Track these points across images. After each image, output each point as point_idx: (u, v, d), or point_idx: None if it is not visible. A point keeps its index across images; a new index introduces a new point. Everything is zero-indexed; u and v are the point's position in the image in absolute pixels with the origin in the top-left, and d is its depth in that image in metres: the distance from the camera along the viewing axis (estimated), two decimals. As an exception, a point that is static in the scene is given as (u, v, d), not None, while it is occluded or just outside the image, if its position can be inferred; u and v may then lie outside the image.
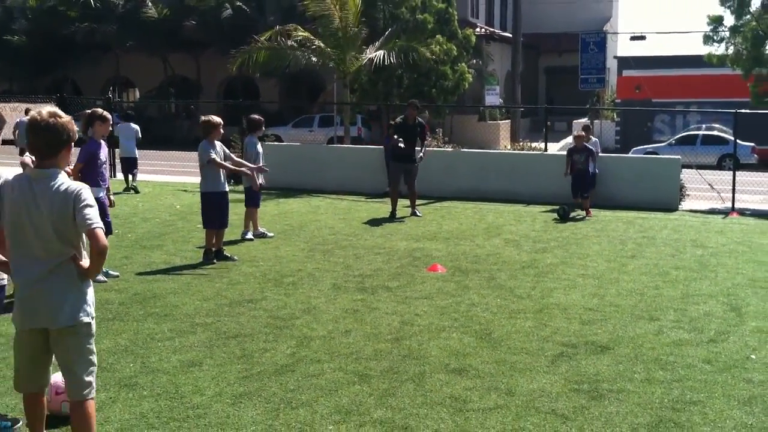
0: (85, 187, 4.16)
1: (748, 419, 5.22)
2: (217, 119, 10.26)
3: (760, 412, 5.33)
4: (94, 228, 4.04)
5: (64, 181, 4.14)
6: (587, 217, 14.42)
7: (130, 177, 18.03)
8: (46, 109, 4.15)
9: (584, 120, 29.35)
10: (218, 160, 10.07)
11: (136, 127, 18.68)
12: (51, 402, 4.93)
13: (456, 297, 8.40)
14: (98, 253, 4.09)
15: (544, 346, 6.70)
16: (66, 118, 4.16)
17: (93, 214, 4.09)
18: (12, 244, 4.21)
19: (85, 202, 4.08)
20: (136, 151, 18.45)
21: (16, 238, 4.18)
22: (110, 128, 9.51)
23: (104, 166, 9.02)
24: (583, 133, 15.40)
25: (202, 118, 10.40)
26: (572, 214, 14.49)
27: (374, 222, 13.72)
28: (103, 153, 8.98)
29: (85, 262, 4.22)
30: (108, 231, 9.01)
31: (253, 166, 11.20)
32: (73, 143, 4.21)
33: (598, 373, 6.05)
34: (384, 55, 21.51)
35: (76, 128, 4.26)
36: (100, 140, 8.96)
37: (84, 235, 4.16)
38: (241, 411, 5.25)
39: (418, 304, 8.09)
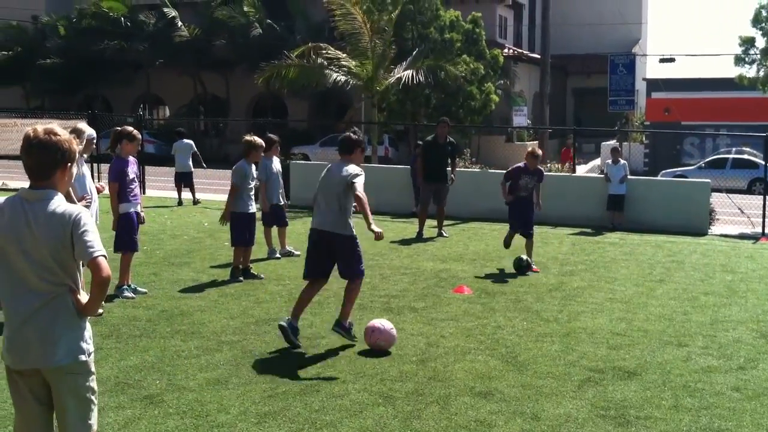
0: (84, 211, 3.77)
1: (778, 449, 5.14)
2: (258, 141, 10.39)
3: (791, 442, 5.25)
4: (97, 257, 3.64)
5: (60, 203, 3.73)
6: (532, 272, 11.09)
7: (187, 191, 19.35)
8: (44, 126, 3.75)
9: (613, 142, 29.20)
10: (242, 188, 10.25)
11: (191, 142, 19.89)
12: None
13: (482, 319, 8.37)
14: (99, 284, 3.67)
15: (570, 371, 6.65)
16: (64, 135, 3.74)
17: (94, 240, 3.69)
18: (1, 273, 3.76)
19: (84, 228, 3.68)
20: (192, 167, 19.48)
21: (6, 266, 3.73)
22: (140, 147, 9.53)
23: (134, 183, 9.10)
24: (539, 153, 11.82)
25: (245, 137, 10.50)
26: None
27: (401, 242, 13.72)
28: (132, 170, 9.06)
29: (83, 296, 3.80)
30: (134, 248, 9.09)
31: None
32: (70, 164, 3.79)
33: (625, 399, 6.00)
34: (412, 75, 21.61)
35: (77, 147, 3.87)
36: (127, 158, 9.02)
37: (82, 264, 3.79)
38: (265, 430, 5.26)
39: (444, 325, 8.07)
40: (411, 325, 8.03)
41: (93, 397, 3.89)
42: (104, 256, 3.69)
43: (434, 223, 14.70)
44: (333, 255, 7.28)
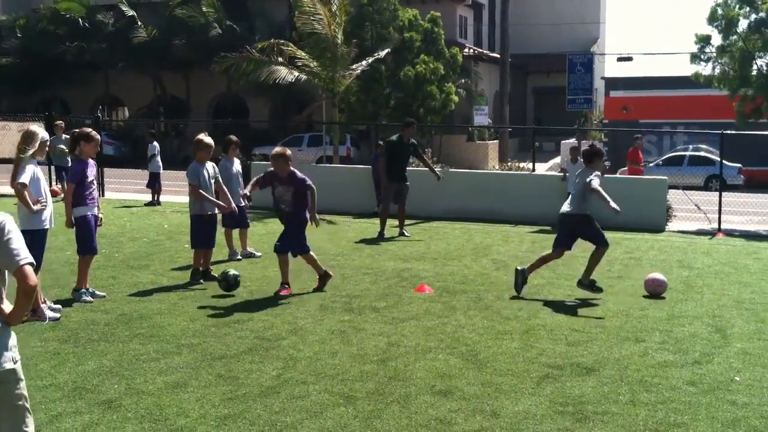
0: (9, 218, 3.72)
1: (731, 441, 5.24)
2: (205, 140, 10.21)
3: (744, 434, 5.35)
4: (23, 265, 3.62)
5: None
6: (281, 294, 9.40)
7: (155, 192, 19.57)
8: None
9: (572, 141, 29.49)
10: (200, 187, 10.01)
11: (156, 144, 20.16)
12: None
13: (443, 318, 8.41)
14: (25, 292, 3.63)
15: (529, 368, 6.71)
16: None
17: (20, 248, 3.66)
18: None
19: (9, 236, 3.65)
20: (160, 168, 19.77)
21: None
22: (99, 147, 9.38)
23: (93, 185, 8.98)
24: (289, 153, 9.51)
25: (197, 137, 10.36)
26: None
27: (362, 242, 13.73)
28: (91, 172, 8.95)
29: (6, 306, 3.75)
30: (93, 251, 8.97)
31: (223, 204, 10.44)
32: None
33: (583, 395, 6.07)
34: (371, 65, 21.71)
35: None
36: (87, 159, 8.91)
37: (8, 273, 3.73)
38: (225, 433, 5.24)
39: (405, 325, 8.09)
40: (372, 325, 8.04)
41: (25, 404, 3.85)
42: (31, 263, 3.65)
43: (395, 222, 14.73)
44: (575, 232, 9.80)
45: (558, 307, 9.01)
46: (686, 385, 6.35)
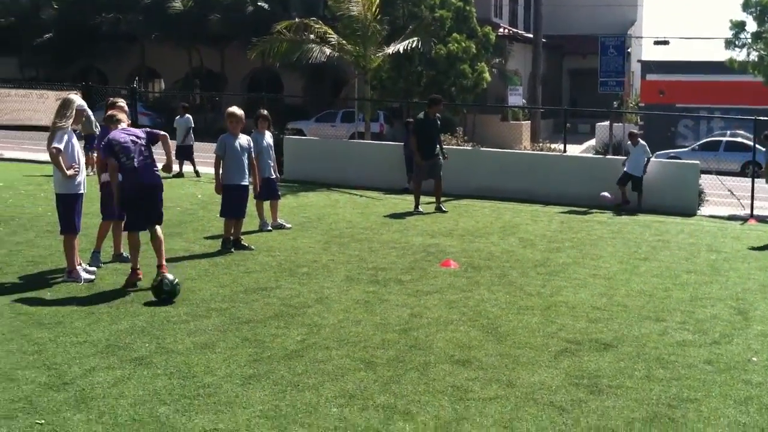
0: None
1: (742, 418, 5.34)
2: (237, 112, 10.37)
3: (755, 412, 5.44)
4: None
5: None
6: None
7: (187, 164, 19.93)
8: None
9: (605, 123, 29.31)
10: (226, 159, 10.36)
11: (189, 117, 20.66)
12: None
13: (466, 292, 8.54)
14: None
15: (548, 342, 6.83)
16: None
17: None
18: None
19: None
20: (192, 141, 20.32)
21: None
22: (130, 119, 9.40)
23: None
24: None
25: (228, 109, 10.55)
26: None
27: (391, 217, 13.87)
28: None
29: None
30: (111, 216, 9.14)
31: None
32: None
33: (599, 369, 6.18)
34: (403, 48, 21.71)
35: None
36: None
37: None
38: (249, 391, 5.44)
39: (429, 297, 8.25)
40: (396, 297, 8.20)
41: None
42: None
43: (431, 199, 14.88)
44: None
45: (581, 285, 9.10)
46: (703, 363, 6.44)
